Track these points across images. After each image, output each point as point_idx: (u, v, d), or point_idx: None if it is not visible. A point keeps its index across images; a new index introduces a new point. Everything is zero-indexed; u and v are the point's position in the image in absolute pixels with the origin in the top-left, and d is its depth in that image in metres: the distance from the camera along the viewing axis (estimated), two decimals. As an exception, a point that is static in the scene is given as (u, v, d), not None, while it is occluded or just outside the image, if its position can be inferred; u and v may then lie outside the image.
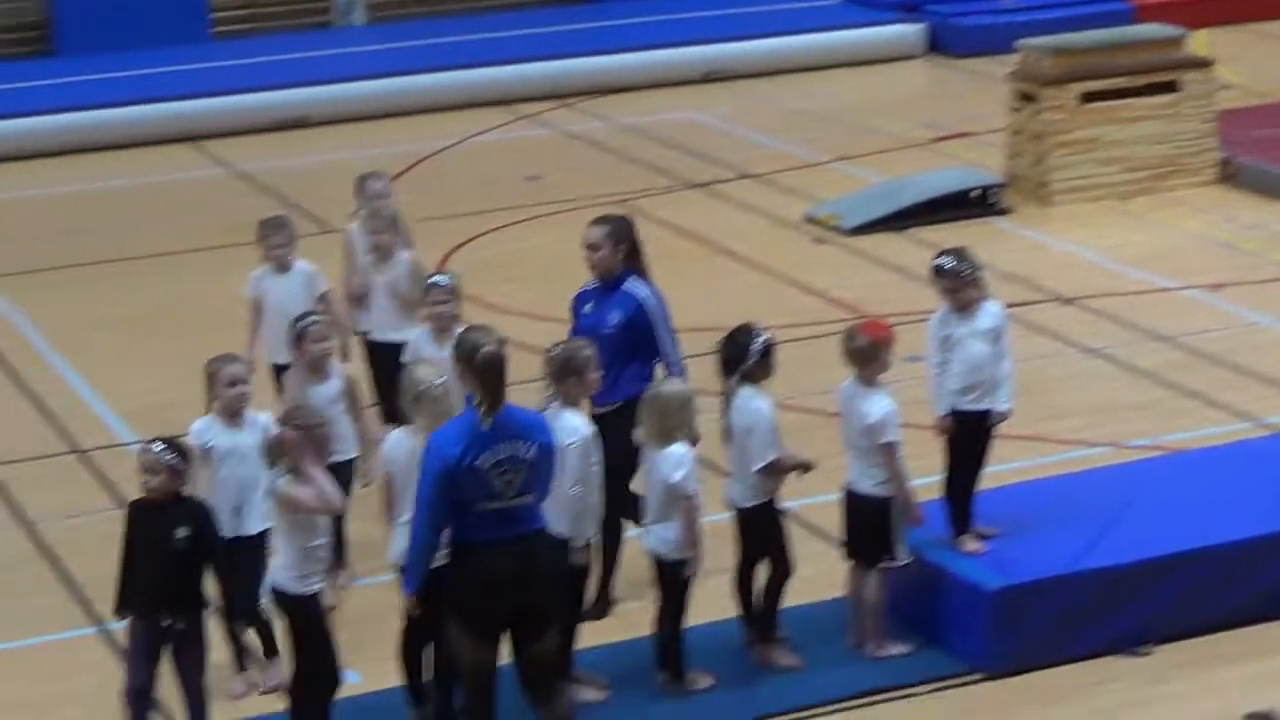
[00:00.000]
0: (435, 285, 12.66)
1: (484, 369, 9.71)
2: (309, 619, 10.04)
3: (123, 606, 10.16)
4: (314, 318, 12.12)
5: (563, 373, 10.70)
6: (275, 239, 13.54)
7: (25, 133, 22.15)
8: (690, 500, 10.70)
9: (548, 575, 9.96)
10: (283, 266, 13.47)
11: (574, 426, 10.57)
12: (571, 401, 10.69)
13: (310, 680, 10.04)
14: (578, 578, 10.76)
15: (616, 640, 11.15)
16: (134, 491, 13.11)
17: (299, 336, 11.92)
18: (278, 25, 26.34)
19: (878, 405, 11.06)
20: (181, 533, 9.99)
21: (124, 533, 10.15)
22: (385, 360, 13.09)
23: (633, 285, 12.06)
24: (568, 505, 10.56)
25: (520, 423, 9.81)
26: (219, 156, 21.92)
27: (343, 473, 11.44)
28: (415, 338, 12.61)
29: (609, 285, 12.11)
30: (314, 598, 10.02)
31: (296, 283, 13.42)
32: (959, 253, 11.65)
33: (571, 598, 10.72)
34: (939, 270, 11.64)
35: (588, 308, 12.22)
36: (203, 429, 11.17)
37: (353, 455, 11.95)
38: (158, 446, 10.10)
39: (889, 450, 11.03)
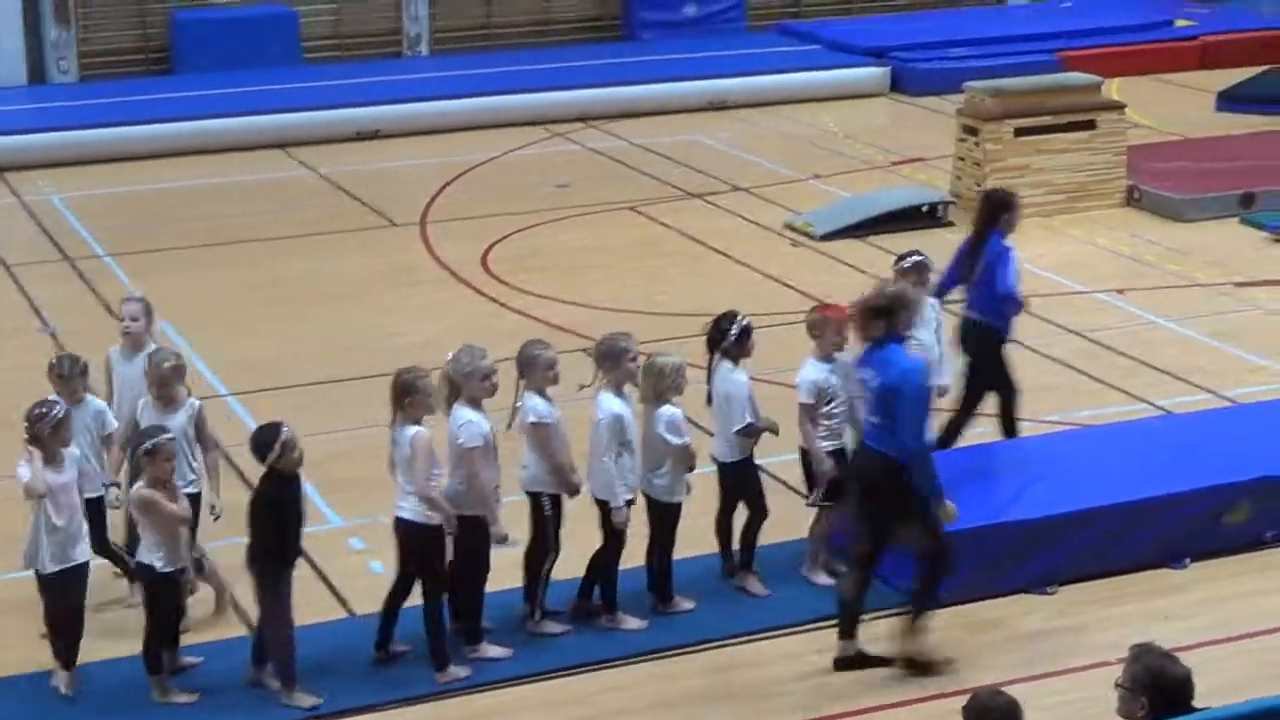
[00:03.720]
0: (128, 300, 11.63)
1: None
2: None
3: (291, 560, 9.94)
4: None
5: (605, 358, 10.65)
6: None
7: (149, 138, 22.11)
8: (683, 449, 10.66)
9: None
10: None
11: (608, 407, 10.51)
12: (613, 385, 10.61)
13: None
14: (615, 533, 10.66)
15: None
16: (227, 433, 13.22)
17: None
18: (357, 54, 26.30)
19: (804, 372, 11.05)
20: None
21: (276, 499, 9.85)
22: None
23: None
24: (601, 473, 10.53)
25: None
26: (304, 161, 21.86)
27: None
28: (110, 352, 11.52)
29: None
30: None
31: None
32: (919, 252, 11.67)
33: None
34: (920, 265, 11.58)
35: None
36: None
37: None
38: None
39: (801, 410, 11.01)
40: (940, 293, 12.50)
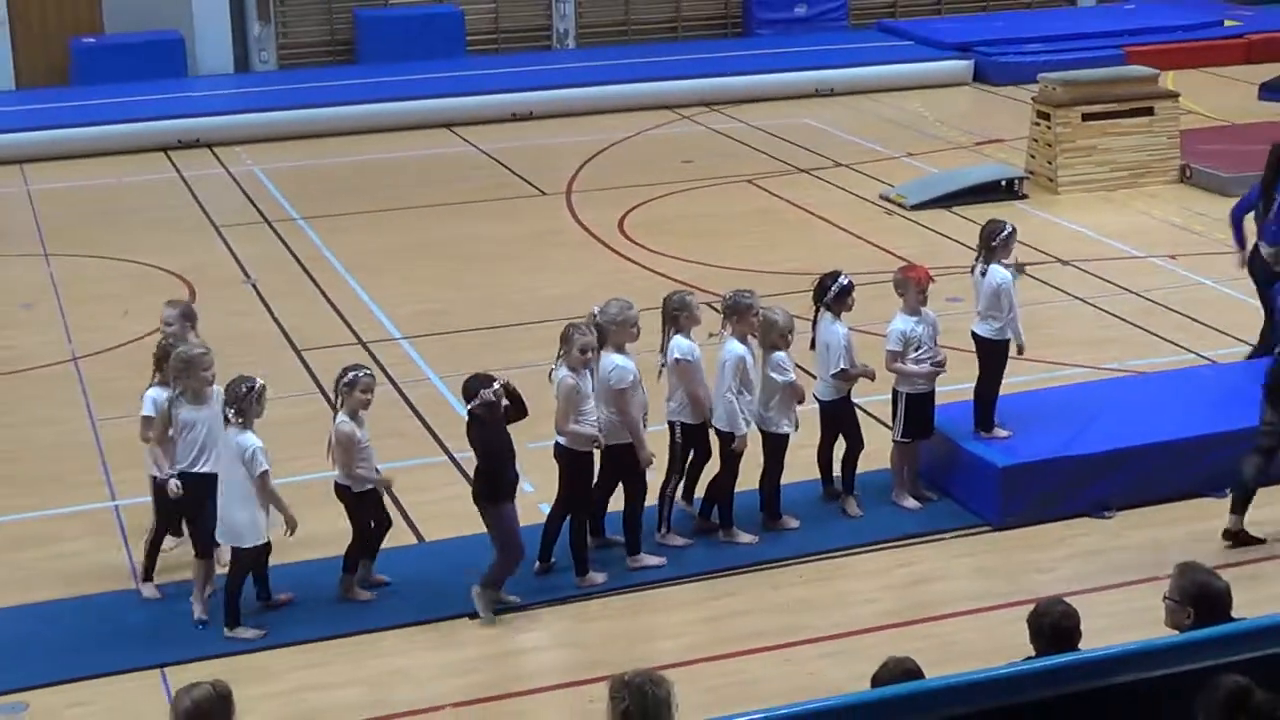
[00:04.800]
0: None
1: None
2: None
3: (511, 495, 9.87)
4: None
5: (731, 311, 10.69)
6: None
7: (336, 118, 22.29)
8: (790, 384, 10.70)
9: None
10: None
11: (733, 350, 10.55)
12: (738, 335, 10.64)
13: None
14: (733, 459, 10.72)
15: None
16: (401, 370, 13.35)
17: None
18: (513, 46, 26.37)
19: (893, 324, 11.08)
20: None
21: (494, 436, 9.75)
22: None
23: None
24: (725, 407, 10.58)
25: None
26: (467, 138, 21.97)
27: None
28: None
29: None
30: None
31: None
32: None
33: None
34: (1014, 233, 11.49)
35: None
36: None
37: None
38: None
39: (888, 355, 11.06)
40: (1239, 214, 13.24)
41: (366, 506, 10.12)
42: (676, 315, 10.57)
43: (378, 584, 10.32)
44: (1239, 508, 10.68)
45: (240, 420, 9.62)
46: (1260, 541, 10.66)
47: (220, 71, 24.94)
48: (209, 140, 21.71)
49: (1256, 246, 13.16)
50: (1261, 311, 13.10)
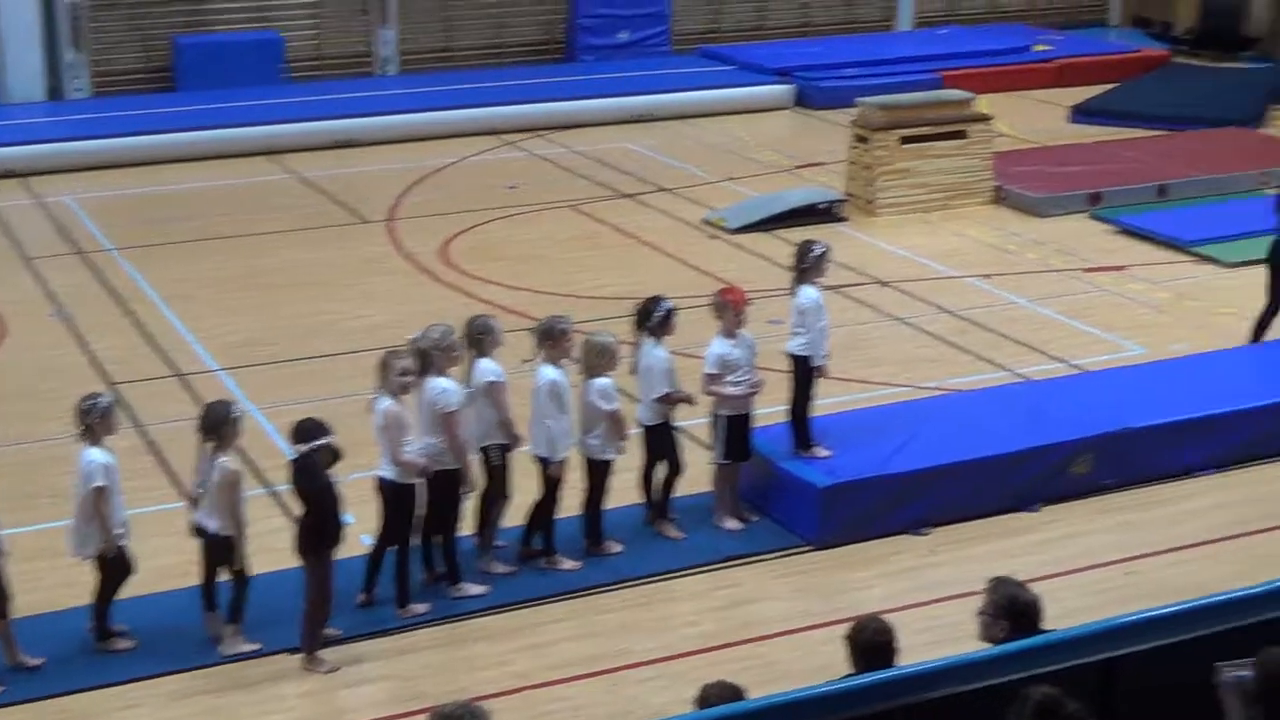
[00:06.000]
0: None
1: None
2: None
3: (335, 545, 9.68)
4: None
5: (545, 336, 10.69)
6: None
7: (152, 147, 21.90)
8: (613, 414, 10.73)
9: None
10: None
11: (547, 375, 10.56)
12: (551, 360, 10.64)
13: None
14: (553, 485, 10.73)
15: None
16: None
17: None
18: (335, 73, 26.16)
19: (711, 347, 11.14)
20: None
21: (326, 486, 9.58)
22: None
23: None
24: (543, 432, 10.58)
25: None
26: (288, 166, 21.76)
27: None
28: None
29: None
30: None
31: None
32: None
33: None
34: (827, 253, 11.60)
35: None
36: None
37: None
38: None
39: (704, 379, 11.12)
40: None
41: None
42: (480, 339, 10.57)
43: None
44: None
45: (89, 438, 9.61)
46: None
47: (32, 99, 24.46)
48: (20, 170, 21.28)
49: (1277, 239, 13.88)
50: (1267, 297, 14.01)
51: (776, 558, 11.01)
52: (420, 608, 10.31)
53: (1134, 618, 6.66)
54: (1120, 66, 26.76)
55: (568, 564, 10.85)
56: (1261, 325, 14.18)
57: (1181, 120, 23.18)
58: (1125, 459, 11.98)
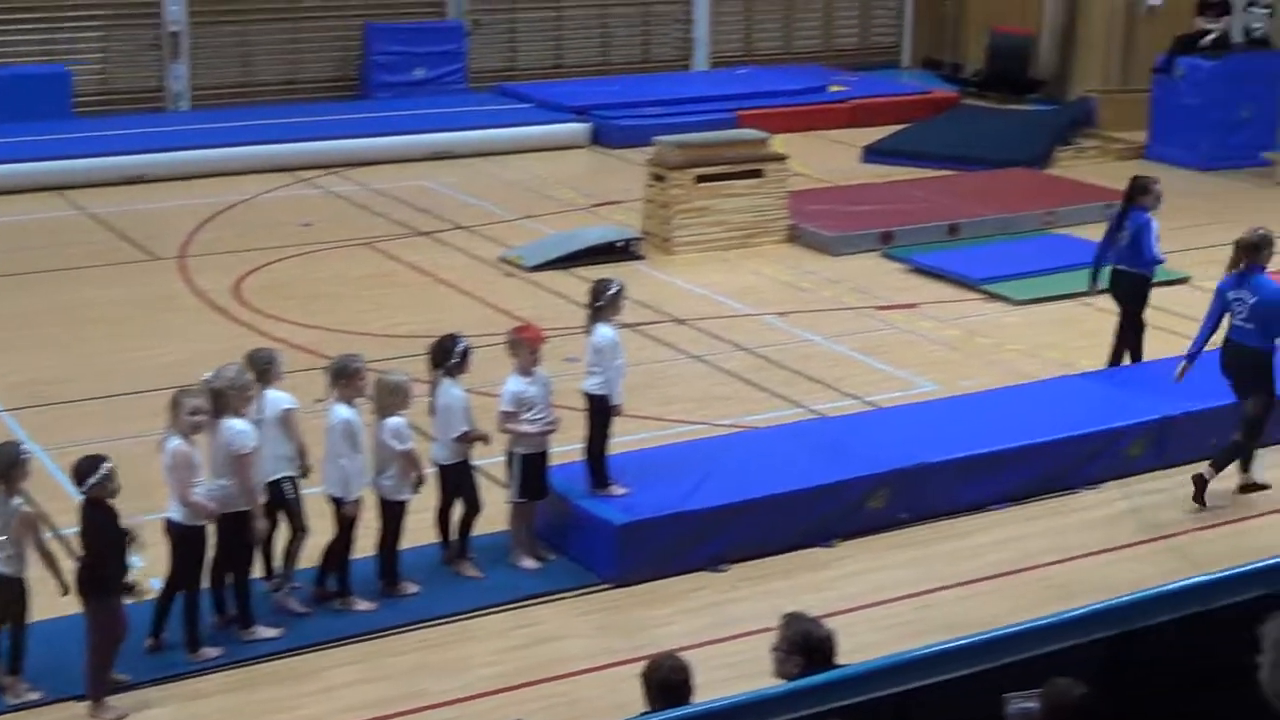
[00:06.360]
0: None
1: None
2: None
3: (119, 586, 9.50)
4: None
5: (338, 375, 10.58)
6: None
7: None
8: (406, 454, 10.66)
9: None
10: None
11: (340, 414, 10.46)
12: (345, 399, 10.54)
13: None
14: (348, 525, 10.63)
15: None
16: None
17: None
18: (125, 108, 25.73)
19: (506, 385, 11.13)
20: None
21: (105, 525, 9.42)
22: None
23: None
24: (337, 472, 10.47)
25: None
26: (77, 202, 21.33)
27: None
28: None
29: None
30: None
31: None
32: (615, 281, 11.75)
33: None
34: (622, 292, 11.64)
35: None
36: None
37: None
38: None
39: (500, 416, 11.10)
40: (1098, 261, 14.56)
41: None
42: (266, 370, 10.46)
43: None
44: (1243, 467, 12.63)
45: None
46: (1266, 487, 12.69)
47: None
48: None
49: (1115, 269, 14.41)
50: (1117, 327, 14.56)
51: (575, 596, 10.99)
52: (212, 651, 10.12)
53: (925, 651, 6.71)
54: (912, 107, 27.27)
55: (363, 605, 10.72)
56: (1118, 352, 14.62)
57: (971, 160, 23.66)
58: (919, 494, 12.15)
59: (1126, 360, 14.50)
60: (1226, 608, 6.47)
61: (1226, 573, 6.78)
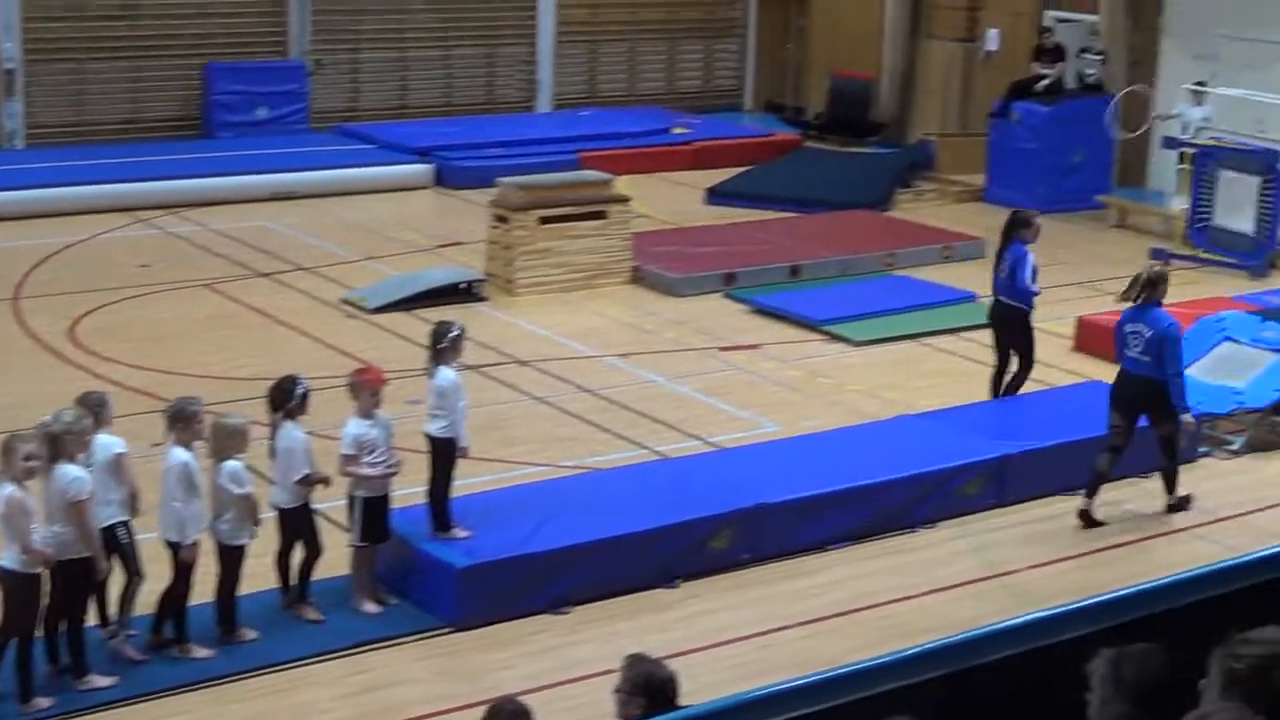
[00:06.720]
0: None
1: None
2: None
3: None
4: None
5: (176, 419, 10.44)
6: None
7: None
8: (244, 497, 10.53)
9: None
10: None
11: (177, 457, 10.32)
12: (182, 443, 10.40)
13: None
14: (185, 570, 10.46)
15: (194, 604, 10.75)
16: None
17: None
18: (-43, 147, 25.26)
19: (347, 427, 11.05)
20: None
21: None
22: None
23: None
24: (173, 515, 10.33)
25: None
26: (-92, 243, 20.89)
27: None
28: None
29: None
30: None
31: None
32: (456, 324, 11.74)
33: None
34: (463, 334, 11.62)
35: None
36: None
37: None
38: None
39: (341, 460, 11.02)
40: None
41: None
42: (98, 412, 10.31)
43: None
44: (1091, 493, 13.02)
45: None
46: (1102, 524, 12.99)
47: None
48: None
49: (995, 300, 14.90)
50: (994, 356, 15.05)
51: (416, 640, 10.90)
52: (44, 702, 9.90)
53: (766, 691, 6.74)
54: (754, 150, 27.49)
55: (201, 652, 10.56)
56: (997, 382, 15.01)
57: (812, 202, 23.89)
58: (762, 534, 12.22)
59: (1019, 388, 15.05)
60: (1060, 644, 6.58)
61: (1060, 609, 6.88)
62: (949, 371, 16.82)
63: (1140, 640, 5.26)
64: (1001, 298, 14.83)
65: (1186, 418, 13.00)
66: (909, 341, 17.72)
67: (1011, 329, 14.79)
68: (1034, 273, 14.54)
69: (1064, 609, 6.77)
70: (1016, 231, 14.73)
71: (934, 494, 13.07)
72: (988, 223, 23.30)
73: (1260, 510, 13.54)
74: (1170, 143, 23.21)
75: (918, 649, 6.41)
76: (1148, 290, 12.92)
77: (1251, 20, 23.85)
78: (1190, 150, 22.44)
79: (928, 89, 28.03)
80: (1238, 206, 21.47)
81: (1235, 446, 14.81)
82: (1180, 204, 22.65)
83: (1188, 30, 25.11)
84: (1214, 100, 23.31)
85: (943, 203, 25.13)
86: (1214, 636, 4.74)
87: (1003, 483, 13.41)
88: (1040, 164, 24.52)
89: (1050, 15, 26.99)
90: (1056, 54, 25.71)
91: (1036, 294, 14.71)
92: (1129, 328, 13.00)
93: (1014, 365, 14.93)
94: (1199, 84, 23.51)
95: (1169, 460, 13.22)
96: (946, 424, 14.21)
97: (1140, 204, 24.48)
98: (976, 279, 20.17)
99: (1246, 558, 7.89)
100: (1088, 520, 13.03)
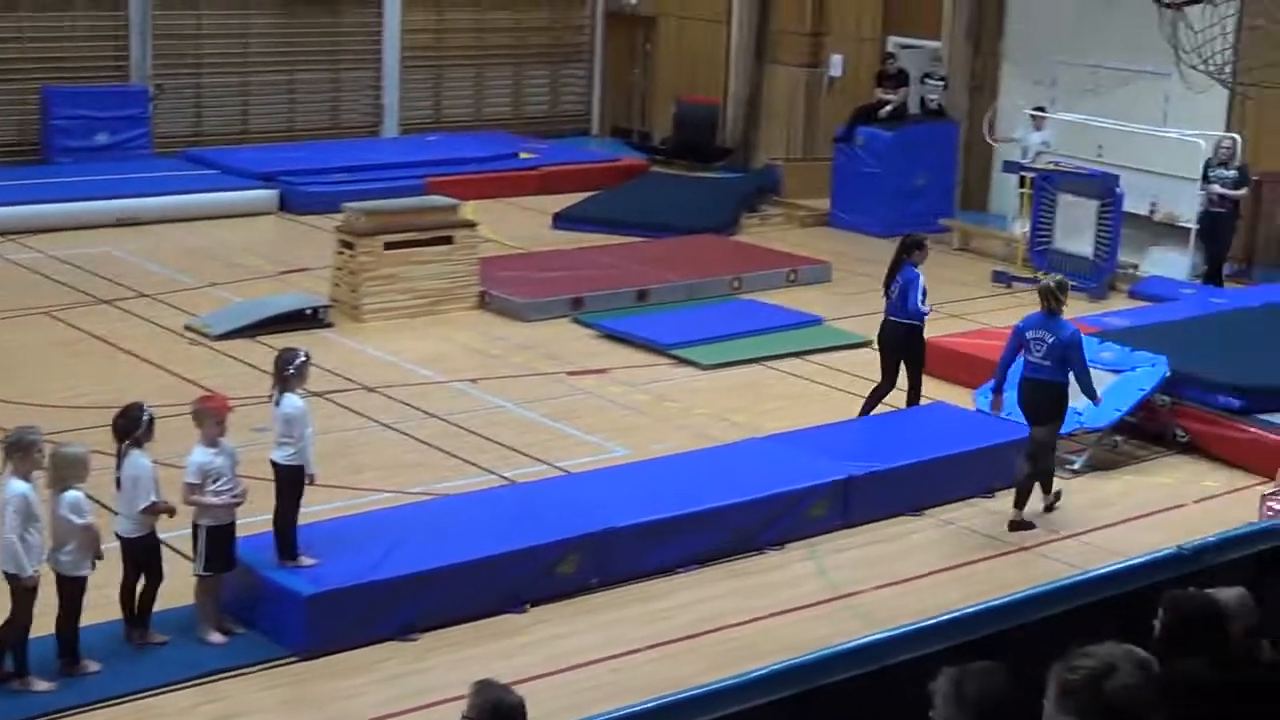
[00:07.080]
0: None
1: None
2: None
3: None
4: None
5: (14, 449, 10.26)
6: None
7: None
8: (85, 528, 10.38)
9: None
10: None
11: (16, 489, 10.14)
12: (21, 473, 10.22)
13: None
14: (24, 606, 10.28)
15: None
16: None
17: None
18: None
19: (191, 456, 10.97)
20: None
21: None
22: None
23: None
24: (10, 548, 10.14)
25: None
26: None
27: None
28: None
29: None
30: None
31: None
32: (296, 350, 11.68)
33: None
34: (308, 360, 11.60)
35: None
36: None
37: None
38: None
39: (185, 488, 10.96)
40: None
41: None
42: None
43: None
44: (1019, 503, 13.61)
45: None
46: (1032, 526, 13.60)
47: None
48: None
49: (884, 320, 15.40)
50: (881, 372, 15.48)
51: (263, 669, 10.79)
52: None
53: (616, 714, 6.78)
54: (601, 175, 27.60)
55: (41, 685, 10.37)
56: (872, 401, 15.46)
57: (659, 227, 24.00)
58: (609, 558, 12.24)
59: (906, 404, 15.50)
60: (904, 664, 6.68)
61: (904, 629, 6.99)
62: (795, 394, 16.98)
63: (984, 659, 5.35)
64: (893, 318, 15.33)
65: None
66: (755, 365, 17.87)
67: (904, 346, 15.28)
68: (923, 294, 15.14)
69: (906, 629, 6.88)
70: (909, 254, 15.29)
71: (781, 516, 13.18)
72: (833, 247, 23.67)
73: (1101, 529, 13.81)
74: (1010, 167, 23.65)
75: (765, 670, 6.49)
76: (1053, 300, 13.55)
77: (1090, 46, 24.38)
78: (1030, 175, 22.87)
79: (773, 114, 28.32)
80: (1077, 230, 21.91)
81: (1076, 466, 15.10)
82: (1021, 227, 23.07)
83: (1028, 56, 25.62)
84: (1053, 125, 23.78)
85: (788, 227, 25.39)
86: (1056, 653, 4.83)
87: (848, 504, 13.56)
88: (884, 188, 24.84)
89: (893, 41, 27.41)
90: (900, 79, 26.10)
91: (926, 314, 15.29)
92: (1031, 334, 13.60)
93: (903, 383, 15.42)
94: (1038, 109, 23.97)
95: (1044, 461, 13.67)
96: (793, 446, 14.34)
97: (982, 228, 24.92)
98: (822, 303, 20.48)
99: (1087, 575, 8.07)
100: (1018, 526, 13.65)
